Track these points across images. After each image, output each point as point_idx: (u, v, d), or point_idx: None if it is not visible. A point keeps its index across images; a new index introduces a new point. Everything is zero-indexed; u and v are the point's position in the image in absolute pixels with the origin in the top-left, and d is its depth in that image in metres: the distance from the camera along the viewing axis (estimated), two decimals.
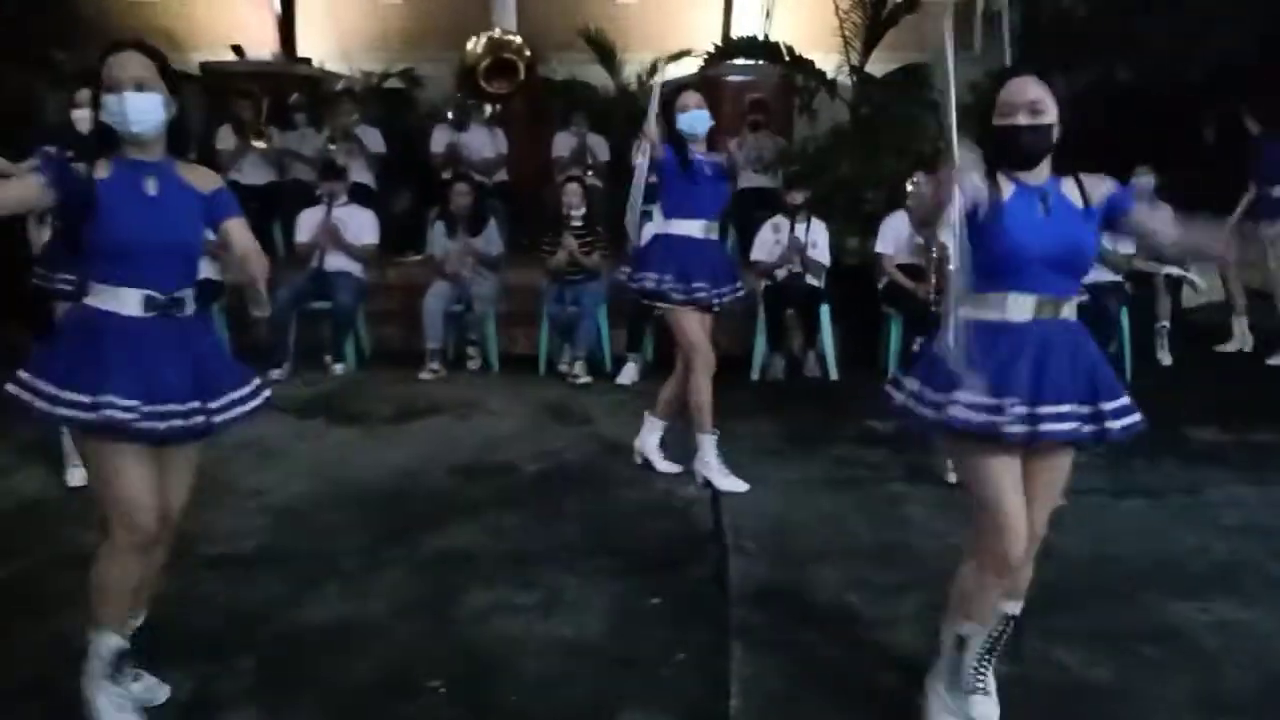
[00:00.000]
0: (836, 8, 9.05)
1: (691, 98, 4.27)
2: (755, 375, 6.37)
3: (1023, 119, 2.36)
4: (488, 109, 9.03)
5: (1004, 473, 2.39)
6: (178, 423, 2.41)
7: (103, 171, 2.43)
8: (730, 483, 4.31)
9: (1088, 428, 2.36)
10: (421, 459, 4.75)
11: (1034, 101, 2.36)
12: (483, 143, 8.56)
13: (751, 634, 3.08)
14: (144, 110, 2.43)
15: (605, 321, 6.57)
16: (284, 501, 4.20)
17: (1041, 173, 2.43)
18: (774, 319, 6.40)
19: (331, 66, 10.19)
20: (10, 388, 2.42)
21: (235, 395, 2.52)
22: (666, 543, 3.80)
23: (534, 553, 3.68)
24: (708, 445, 4.37)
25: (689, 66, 9.80)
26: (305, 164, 7.91)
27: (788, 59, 8.64)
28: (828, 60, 9.05)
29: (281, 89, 8.80)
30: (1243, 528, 3.88)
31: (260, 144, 7.90)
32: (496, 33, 9.55)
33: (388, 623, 3.15)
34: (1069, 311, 2.42)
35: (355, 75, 9.98)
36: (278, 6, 9.82)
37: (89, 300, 2.45)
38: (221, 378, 2.53)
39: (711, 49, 9.09)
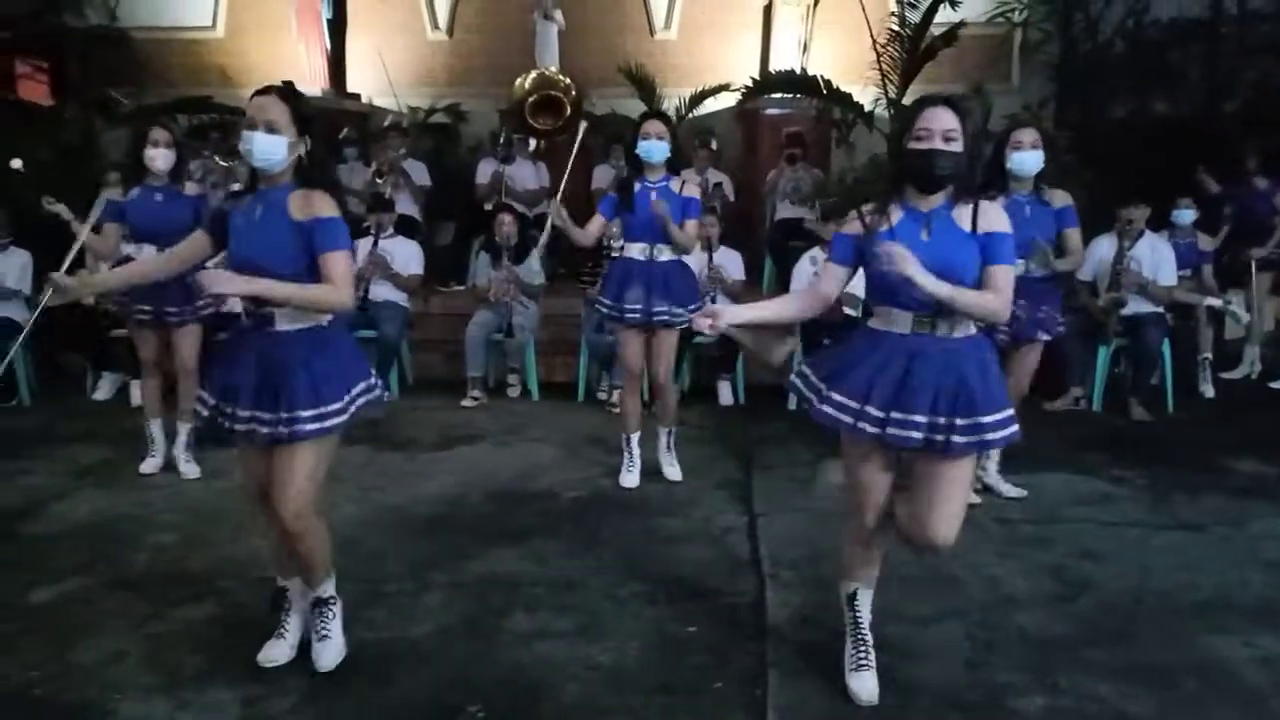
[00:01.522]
0: (874, 41, 9.12)
1: (654, 127, 4.55)
2: (792, 405, 6.38)
3: (939, 144, 2.54)
4: (532, 143, 9.18)
5: (864, 460, 2.78)
6: (241, 427, 2.77)
7: (244, 202, 2.82)
8: (627, 479, 4.83)
9: (937, 436, 2.58)
10: (463, 485, 4.83)
11: (948, 130, 2.54)
12: (527, 175, 8.71)
13: (788, 663, 3.10)
14: (268, 150, 2.74)
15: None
16: (330, 526, 4.27)
17: (934, 198, 2.62)
18: (811, 348, 6.42)
19: (380, 102, 10.41)
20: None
21: (306, 413, 2.74)
22: (704, 570, 3.83)
23: (573, 579, 3.72)
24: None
25: (727, 100, 9.94)
26: (353, 196, 8.08)
27: (825, 92, 8.71)
28: (865, 93, 9.11)
29: (332, 124, 9.00)
30: None
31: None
32: (547, 70, 9.74)
33: (431, 646, 3.20)
34: (950, 329, 2.62)
35: (402, 110, 10.18)
36: (328, 44, 10.05)
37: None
38: (295, 394, 2.74)
39: (749, 82, 9.20)
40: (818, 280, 2.83)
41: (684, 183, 4.63)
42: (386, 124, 9.07)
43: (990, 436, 2.60)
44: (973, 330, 2.67)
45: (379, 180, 7.97)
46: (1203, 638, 3.24)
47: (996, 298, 2.58)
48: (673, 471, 4.91)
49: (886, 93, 9.08)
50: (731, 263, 6.79)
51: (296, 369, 2.76)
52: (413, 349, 7.08)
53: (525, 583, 3.69)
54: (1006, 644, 3.22)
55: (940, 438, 2.58)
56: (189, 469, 4.96)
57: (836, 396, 2.68)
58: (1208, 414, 6.38)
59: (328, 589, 3.04)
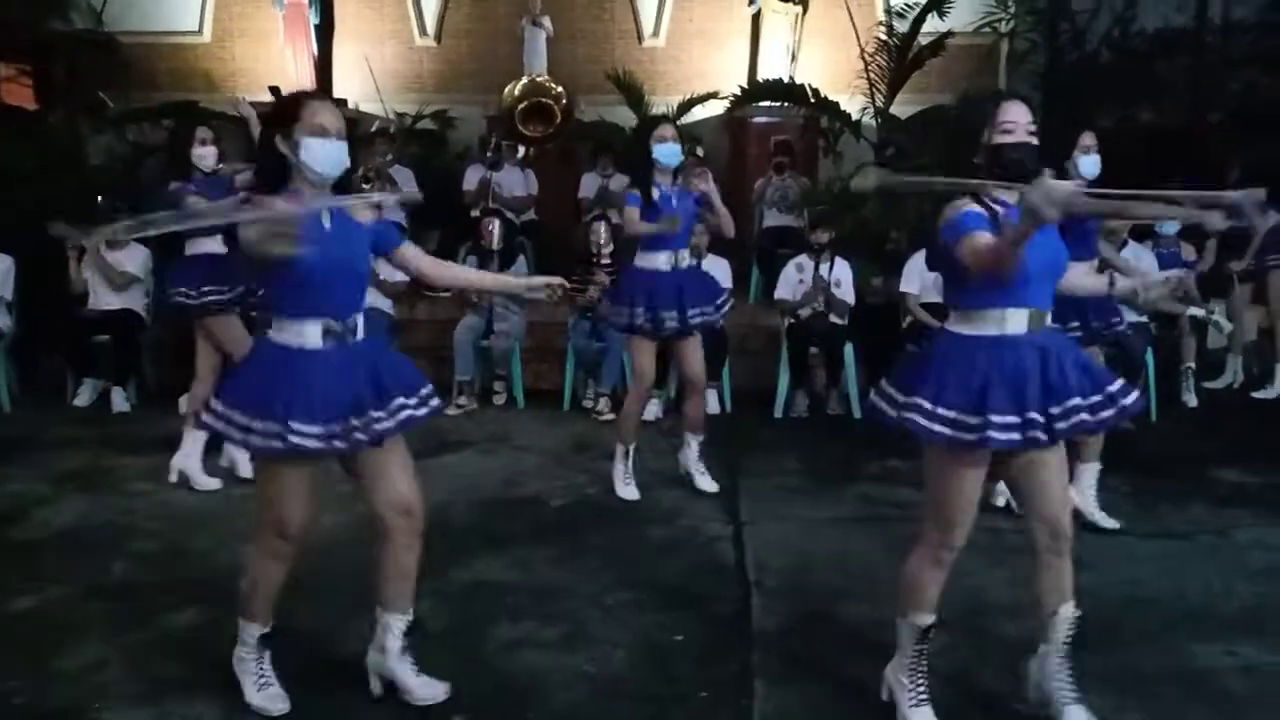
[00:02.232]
0: (861, 50, 9.16)
1: (668, 130, 4.51)
2: (779, 413, 6.40)
3: (1024, 136, 2.56)
4: (521, 150, 9.18)
5: (973, 476, 2.62)
6: (363, 435, 2.61)
7: None
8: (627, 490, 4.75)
9: (1105, 412, 2.53)
10: (448, 493, 4.80)
11: (1029, 123, 2.57)
12: (514, 182, 8.70)
13: (774, 672, 3.09)
14: (341, 158, 2.65)
15: (629, 358, 6.61)
16: (313, 534, 4.22)
17: (1013, 194, 2.54)
18: (798, 357, 6.44)
19: (367, 108, 10.38)
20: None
21: (426, 390, 2.76)
22: (690, 579, 3.82)
23: (559, 587, 3.71)
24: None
25: (715, 108, 9.95)
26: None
27: (813, 100, 8.75)
28: (852, 102, 9.14)
29: None
30: (1269, 570, 3.86)
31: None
32: (538, 77, 9.74)
33: (416, 655, 3.17)
34: (1048, 319, 2.61)
35: (390, 116, 10.16)
36: (315, 49, 10.03)
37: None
38: (412, 378, 2.75)
39: (738, 91, 9.22)
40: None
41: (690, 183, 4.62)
42: (373, 130, 9.05)
43: (1125, 402, 2.57)
44: None
45: (365, 186, 7.94)
46: (1188, 647, 3.25)
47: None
48: (706, 481, 4.82)
49: (874, 102, 9.12)
50: (719, 271, 6.79)
51: (392, 360, 2.78)
52: None
53: (511, 591, 3.67)
54: (992, 652, 3.22)
55: (1107, 412, 2.54)
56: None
57: (949, 413, 2.51)
58: (1191, 423, 6.41)
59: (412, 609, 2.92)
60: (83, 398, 6.61)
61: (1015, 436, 2.47)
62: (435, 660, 3.12)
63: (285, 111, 2.65)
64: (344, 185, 2.75)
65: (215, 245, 4.77)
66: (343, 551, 4.05)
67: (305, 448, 2.57)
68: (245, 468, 4.82)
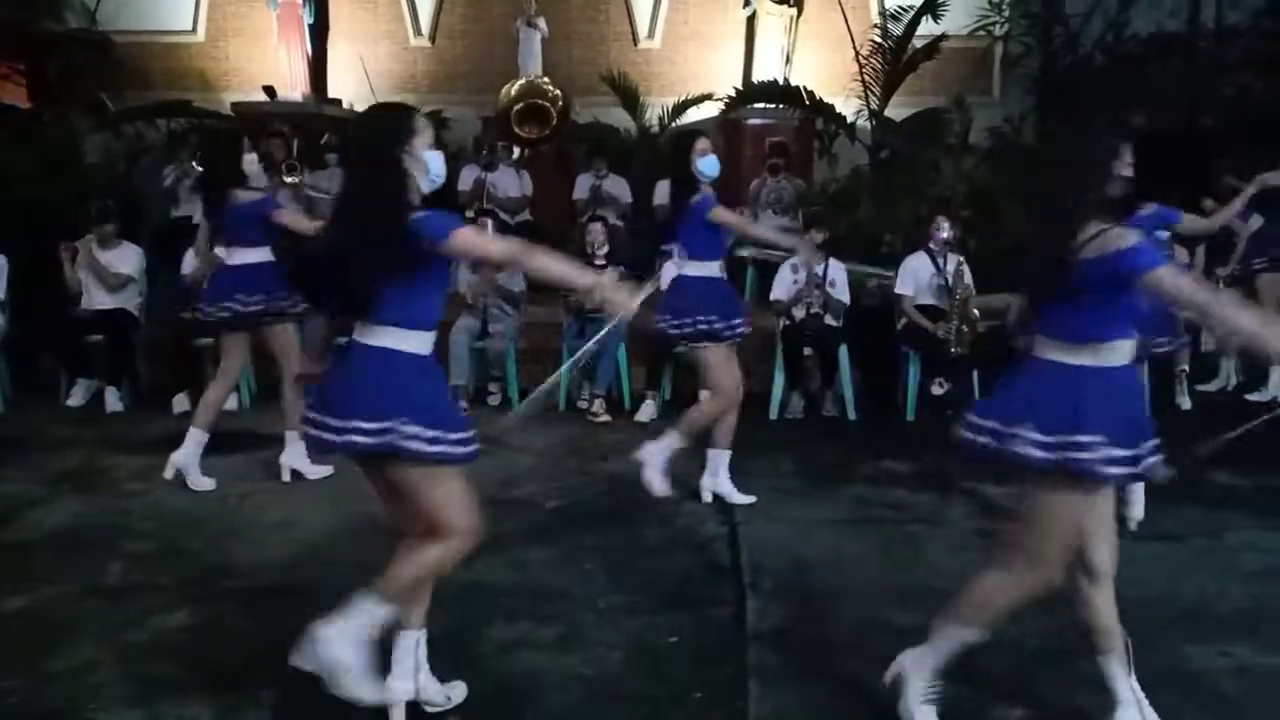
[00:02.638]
0: (856, 53, 9.20)
1: (705, 143, 4.48)
2: (774, 414, 6.40)
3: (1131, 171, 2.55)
4: (516, 151, 9.18)
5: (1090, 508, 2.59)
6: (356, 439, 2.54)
7: None
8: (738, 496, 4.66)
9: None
10: None
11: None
12: (509, 183, 8.70)
13: (769, 673, 3.09)
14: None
15: (625, 359, 6.63)
16: (307, 534, 4.25)
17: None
18: (793, 358, 6.45)
19: (361, 107, 10.38)
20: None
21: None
22: (685, 580, 3.82)
23: (554, 589, 3.71)
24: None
25: (710, 110, 9.97)
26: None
27: (808, 103, 8.78)
28: (847, 105, 9.18)
29: (312, 129, 8.97)
30: (1262, 572, 3.87)
31: (290, 179, 8.04)
32: (535, 78, 9.75)
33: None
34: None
35: None
36: (310, 49, 10.02)
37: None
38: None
39: (733, 93, 9.24)
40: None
41: None
42: None
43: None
44: None
45: None
46: (1181, 648, 3.26)
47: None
48: (738, 495, 4.71)
49: (869, 104, 9.15)
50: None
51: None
52: None
53: (506, 592, 3.67)
54: (988, 654, 3.21)
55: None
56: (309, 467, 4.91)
57: (1123, 451, 2.48)
58: (1185, 426, 6.42)
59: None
60: (76, 398, 6.59)
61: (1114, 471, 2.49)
62: (431, 662, 3.12)
63: (403, 126, 2.63)
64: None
65: (263, 254, 4.76)
66: (326, 553, 4.07)
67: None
68: (197, 480, 4.81)
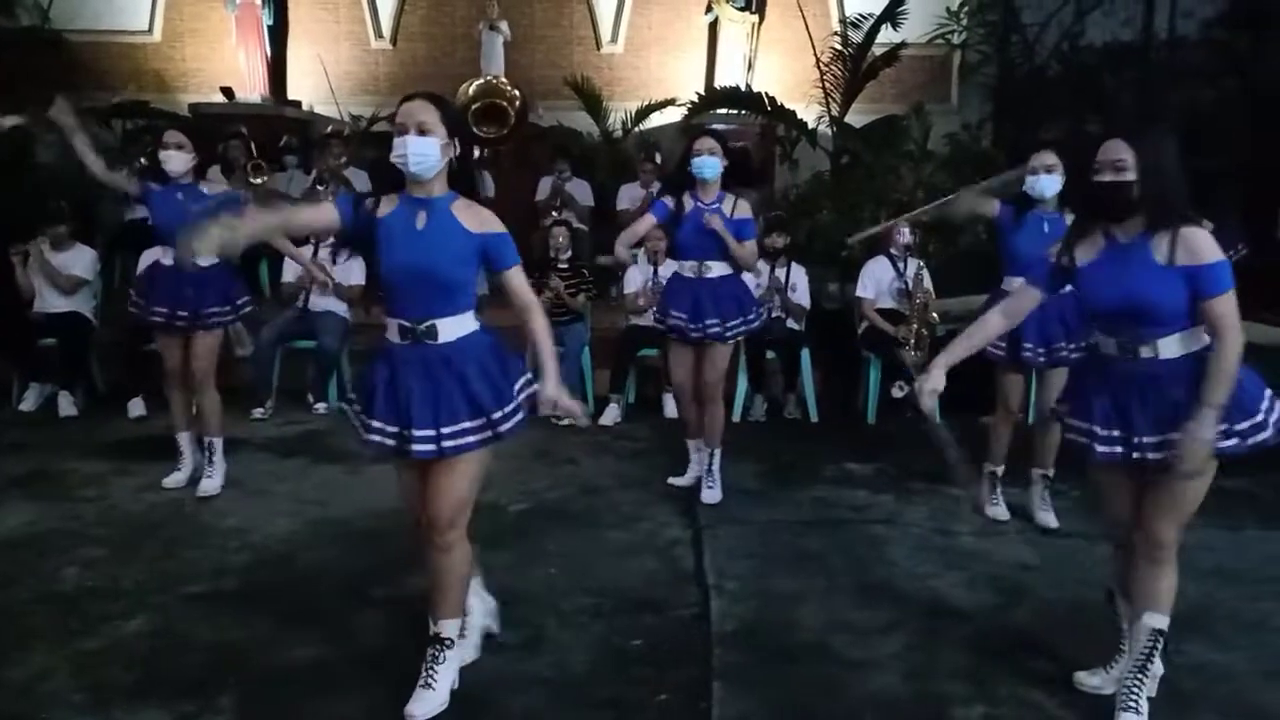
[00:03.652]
0: (817, 60, 9.27)
1: (706, 144, 4.49)
2: (736, 417, 6.42)
3: (1107, 176, 2.59)
4: (475, 151, 9.13)
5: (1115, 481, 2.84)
6: (414, 446, 2.67)
7: (387, 208, 2.69)
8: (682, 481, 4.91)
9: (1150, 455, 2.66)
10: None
11: (1117, 160, 2.59)
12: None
13: (733, 675, 3.10)
14: (422, 152, 2.63)
15: (589, 362, 6.62)
16: (266, 540, 4.20)
17: (1132, 228, 2.64)
18: (755, 361, 6.48)
19: (321, 110, 10.29)
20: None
21: (468, 425, 2.69)
22: (649, 583, 3.82)
23: (517, 592, 3.68)
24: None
25: (673, 115, 10.00)
26: (293, 205, 7.96)
27: (769, 109, 8.82)
28: (808, 111, 9.25)
29: (271, 131, 8.88)
30: (1215, 571, 3.94)
31: (257, 180, 7.94)
32: (492, 78, 9.71)
33: (369, 661, 3.15)
34: (1152, 350, 2.65)
35: (344, 119, 10.07)
36: (268, 50, 9.92)
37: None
38: (458, 407, 2.69)
39: (695, 98, 9.27)
40: (1014, 298, 2.95)
41: (736, 204, 4.56)
42: (327, 132, 8.96)
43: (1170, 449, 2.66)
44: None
45: (320, 188, 7.85)
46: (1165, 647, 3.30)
47: (1221, 347, 2.55)
48: (711, 495, 4.74)
49: (829, 110, 9.23)
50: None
51: (472, 374, 2.70)
52: (353, 360, 6.97)
53: None
54: (948, 654, 3.26)
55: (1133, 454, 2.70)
56: (208, 485, 4.76)
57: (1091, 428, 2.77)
58: None
59: (449, 629, 2.89)
60: (29, 402, 6.46)
61: None
62: (390, 668, 3.10)
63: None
64: (465, 178, 2.79)
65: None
66: (285, 558, 4.03)
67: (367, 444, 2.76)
68: (209, 484, 4.77)
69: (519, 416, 2.76)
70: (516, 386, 2.79)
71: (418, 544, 2.87)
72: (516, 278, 2.79)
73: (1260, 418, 2.64)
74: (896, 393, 6.13)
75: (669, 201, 4.53)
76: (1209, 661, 3.21)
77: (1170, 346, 2.64)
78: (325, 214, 2.80)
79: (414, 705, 2.79)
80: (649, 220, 4.58)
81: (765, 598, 3.67)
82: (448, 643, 2.86)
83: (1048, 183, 4.24)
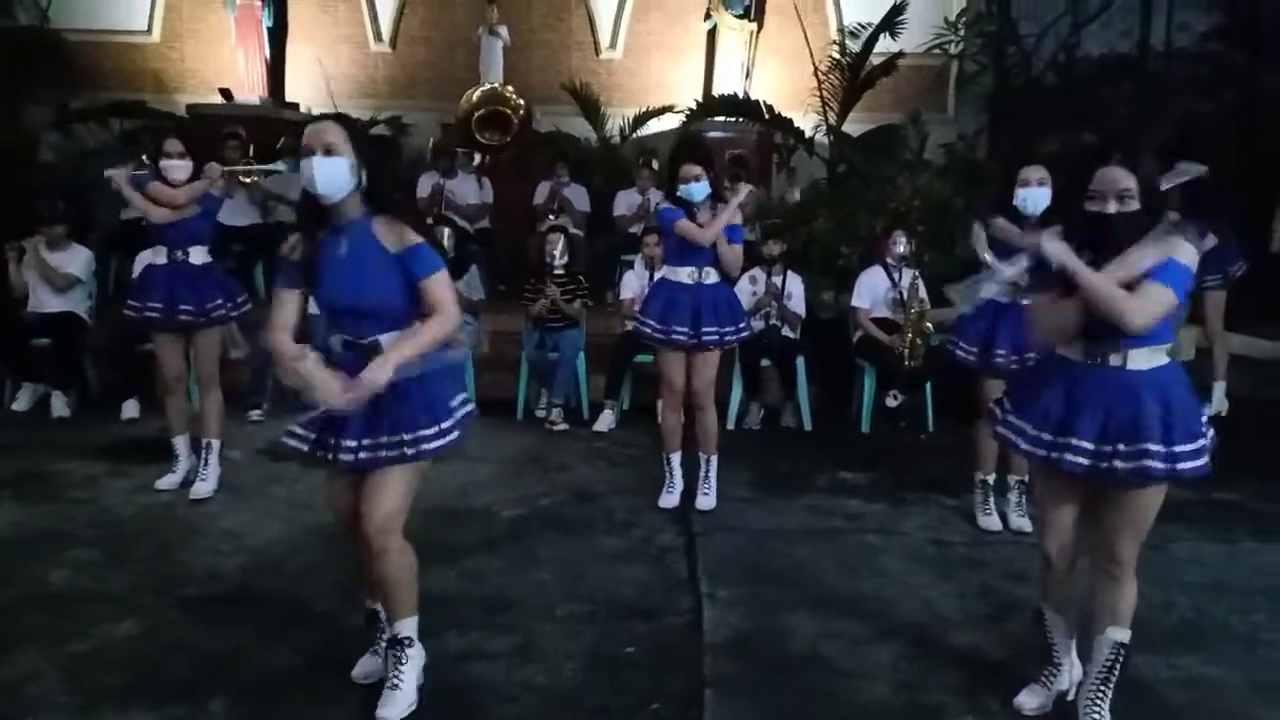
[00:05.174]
0: (815, 69, 9.30)
1: (690, 170, 4.52)
2: (731, 424, 6.42)
3: (1112, 207, 2.53)
4: (476, 158, 9.15)
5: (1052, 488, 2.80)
6: (349, 457, 2.67)
7: (304, 245, 2.70)
8: (667, 499, 4.81)
9: (1102, 464, 2.60)
10: None
11: (1123, 190, 2.53)
12: (469, 190, 8.67)
13: (726, 683, 3.10)
14: (330, 173, 2.61)
15: (584, 368, 6.62)
16: (258, 544, 4.19)
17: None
18: (750, 369, 6.48)
19: (319, 112, 10.27)
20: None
21: (427, 432, 2.69)
22: (642, 590, 3.82)
23: (510, 599, 3.68)
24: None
25: (671, 121, 10.02)
26: (289, 207, 7.95)
27: (767, 117, 8.84)
28: (806, 119, 9.27)
29: (269, 133, 8.87)
30: (1206, 584, 3.95)
31: (249, 180, 7.92)
32: (496, 86, 9.74)
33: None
34: (1120, 360, 2.62)
35: None
36: (268, 52, 9.92)
37: None
38: (414, 414, 2.69)
39: (693, 105, 9.29)
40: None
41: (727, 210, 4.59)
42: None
43: (1140, 464, 2.60)
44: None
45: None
46: (1128, 658, 3.30)
47: (1128, 298, 2.50)
48: (705, 501, 4.74)
49: (827, 119, 9.25)
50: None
51: (408, 389, 2.67)
52: None
53: (461, 602, 3.64)
54: (939, 664, 3.26)
55: (1104, 464, 2.62)
56: (201, 489, 4.73)
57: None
58: None
59: (406, 629, 2.87)
60: (21, 402, 6.44)
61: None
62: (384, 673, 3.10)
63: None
64: (381, 196, 2.73)
65: (201, 255, 4.72)
66: (278, 562, 4.01)
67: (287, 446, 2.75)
68: (201, 488, 4.75)
69: (452, 436, 2.75)
70: (453, 404, 2.79)
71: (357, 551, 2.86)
72: (434, 286, 2.69)
73: (1204, 443, 2.64)
74: (891, 402, 6.14)
75: (675, 210, 4.56)
76: (1201, 675, 3.21)
77: (1139, 358, 2.63)
78: (289, 301, 2.76)
79: (384, 708, 2.79)
80: (686, 223, 4.55)
81: (758, 606, 3.67)
82: (407, 642, 2.86)
83: (1039, 195, 4.27)
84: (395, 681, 2.82)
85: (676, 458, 4.86)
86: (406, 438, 2.67)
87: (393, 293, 2.67)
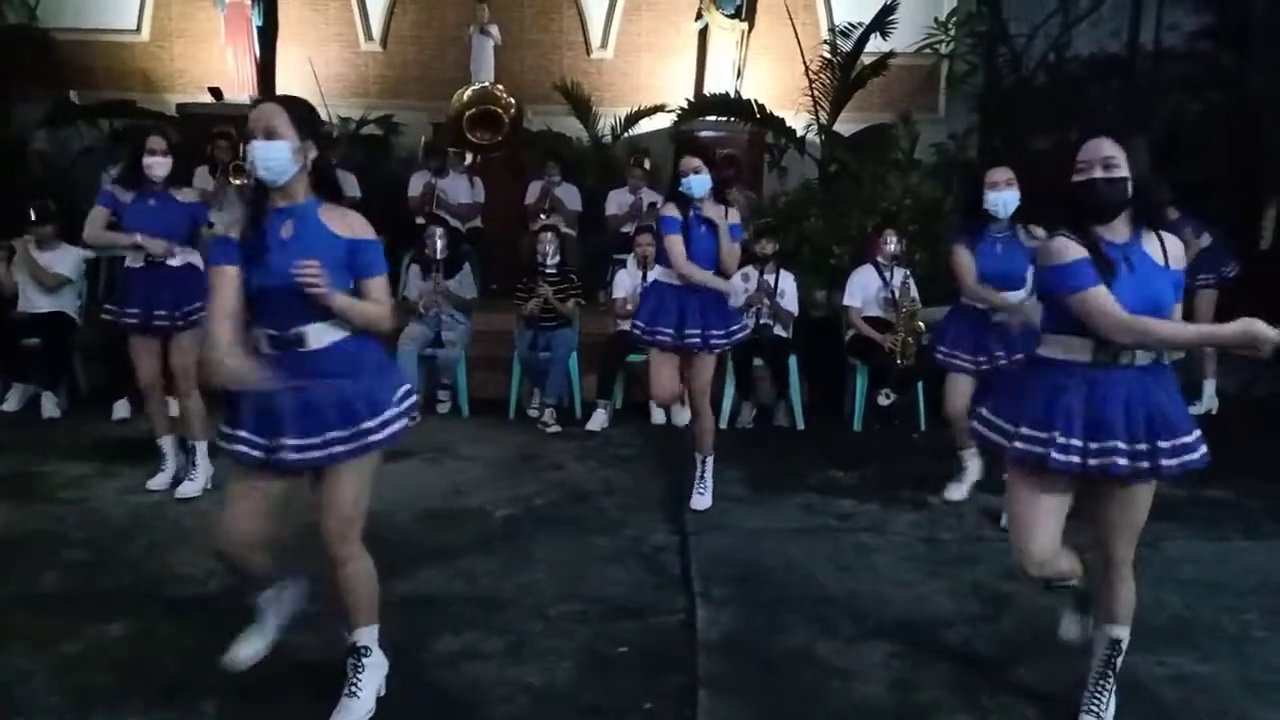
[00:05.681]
0: (806, 68, 9.30)
1: (691, 163, 4.49)
2: (724, 424, 6.42)
3: (1098, 173, 2.53)
4: (468, 157, 9.13)
5: (1037, 493, 2.69)
6: (294, 456, 2.58)
7: (243, 227, 2.61)
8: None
9: (1142, 463, 2.56)
10: (390, 503, 4.72)
11: (1107, 158, 2.53)
12: (460, 189, 8.65)
13: (719, 682, 3.09)
14: (271, 157, 2.56)
15: (576, 368, 6.62)
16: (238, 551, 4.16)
17: (1122, 231, 2.59)
18: (743, 368, 6.48)
19: None
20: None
21: (338, 434, 2.60)
22: (635, 589, 3.82)
23: (503, 599, 3.68)
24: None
25: (662, 121, 10.01)
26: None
27: (758, 116, 8.84)
28: (797, 119, 9.27)
29: None
30: (1198, 582, 3.96)
31: (238, 181, 7.90)
32: (488, 85, 9.72)
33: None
34: (1131, 358, 2.59)
35: (333, 121, 10.04)
36: (257, 51, 9.88)
37: None
38: (354, 407, 2.61)
39: (685, 104, 9.29)
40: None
41: (727, 210, 4.57)
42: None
43: (1183, 458, 2.59)
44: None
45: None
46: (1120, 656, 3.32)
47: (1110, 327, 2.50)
48: (700, 501, 4.73)
49: (818, 119, 9.26)
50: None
51: (344, 383, 2.62)
52: None
53: (454, 603, 3.63)
54: (932, 663, 3.26)
55: (1144, 464, 2.58)
56: (188, 488, 4.72)
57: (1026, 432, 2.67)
58: None
59: (364, 637, 2.83)
60: (11, 402, 6.41)
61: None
62: None
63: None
64: (326, 183, 2.67)
65: (188, 256, 4.71)
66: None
67: (231, 452, 2.65)
68: (188, 487, 4.73)
69: (398, 425, 2.69)
70: (396, 395, 2.72)
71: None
72: (377, 288, 2.67)
73: (1191, 439, 2.61)
74: (883, 401, 6.15)
75: (677, 214, 4.51)
76: (1192, 673, 3.22)
77: (1144, 354, 2.60)
78: (228, 279, 2.60)
79: (340, 715, 2.76)
80: (678, 239, 4.52)
81: (751, 605, 3.67)
82: (365, 650, 2.82)
83: (1009, 197, 4.32)
84: (353, 690, 2.79)
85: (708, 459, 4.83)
86: (347, 433, 2.59)
87: (334, 277, 2.57)
